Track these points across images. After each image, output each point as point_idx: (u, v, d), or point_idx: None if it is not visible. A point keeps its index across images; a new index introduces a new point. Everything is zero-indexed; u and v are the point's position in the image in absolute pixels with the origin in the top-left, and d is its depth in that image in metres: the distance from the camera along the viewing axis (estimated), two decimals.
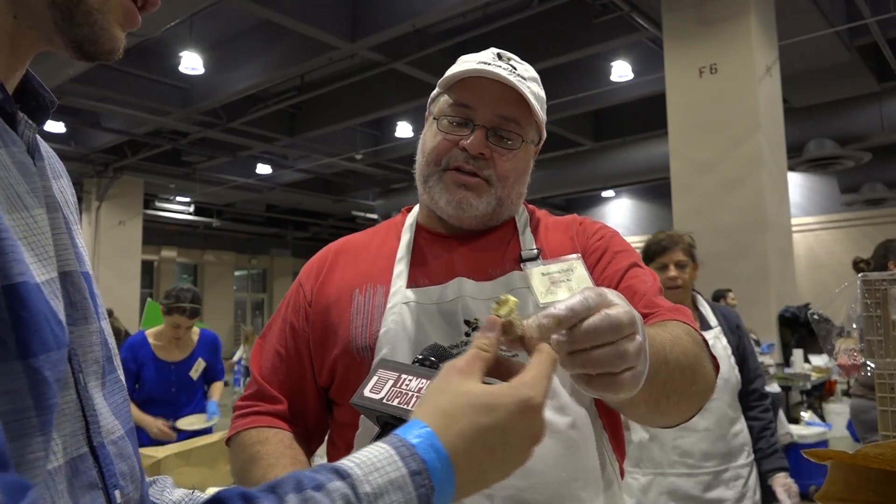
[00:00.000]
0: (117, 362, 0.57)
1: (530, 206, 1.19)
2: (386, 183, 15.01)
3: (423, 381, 0.69)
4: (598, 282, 1.05)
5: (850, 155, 9.67)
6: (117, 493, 0.49)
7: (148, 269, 17.32)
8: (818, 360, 6.40)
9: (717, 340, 2.39)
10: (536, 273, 1.01)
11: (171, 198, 15.65)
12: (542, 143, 1.15)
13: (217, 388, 3.82)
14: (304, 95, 9.45)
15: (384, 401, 0.69)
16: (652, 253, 2.48)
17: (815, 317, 1.49)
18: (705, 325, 2.44)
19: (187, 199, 15.84)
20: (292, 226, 19.33)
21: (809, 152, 9.49)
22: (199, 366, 3.64)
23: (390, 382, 0.71)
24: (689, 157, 6.61)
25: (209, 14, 7.34)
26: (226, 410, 4.22)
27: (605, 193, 16.23)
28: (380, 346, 1.01)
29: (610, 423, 1.07)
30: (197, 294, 3.58)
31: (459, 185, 1.05)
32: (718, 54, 6.46)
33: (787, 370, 6.24)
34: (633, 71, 8.61)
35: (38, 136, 0.52)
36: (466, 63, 1.07)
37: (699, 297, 2.54)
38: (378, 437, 0.67)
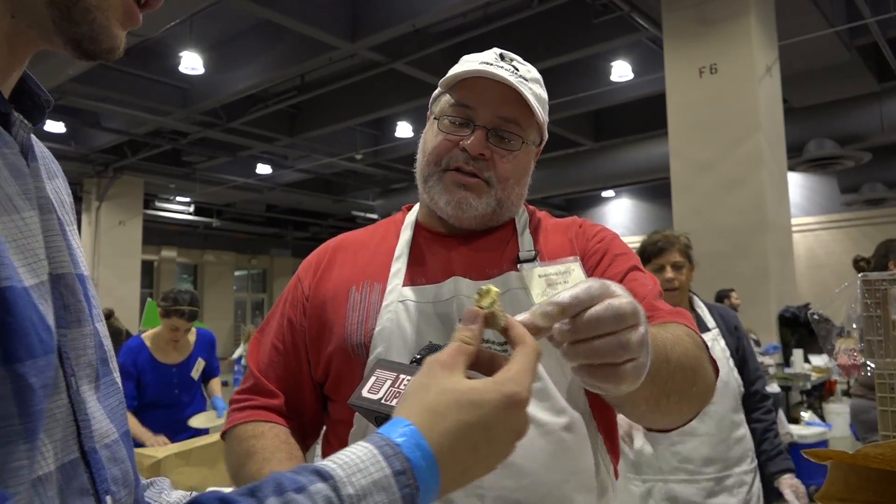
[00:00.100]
0: (113, 364, 0.56)
1: (531, 207, 1.19)
2: (386, 183, 15.01)
3: None
4: None
5: (850, 155, 9.67)
6: (108, 498, 0.48)
7: (148, 269, 17.32)
8: (818, 360, 6.40)
9: (716, 342, 2.35)
10: (533, 274, 1.01)
11: (171, 198, 15.65)
12: (543, 143, 1.15)
13: (217, 385, 3.84)
14: (304, 95, 9.45)
15: (382, 401, 0.68)
16: (648, 254, 2.45)
17: (815, 317, 1.49)
18: (703, 327, 2.39)
19: (187, 199, 15.84)
20: (292, 226, 19.34)
21: (809, 152, 9.49)
22: (200, 365, 3.64)
23: (388, 383, 0.71)
24: (689, 157, 6.61)
25: (209, 14, 7.34)
26: None
27: (605, 193, 16.23)
28: (374, 344, 1.01)
29: (605, 425, 1.06)
30: (195, 296, 3.58)
31: (459, 185, 1.05)
32: (718, 54, 6.46)
33: (787, 370, 6.25)
34: (633, 71, 8.61)
35: (33, 137, 0.52)
36: (468, 63, 1.07)
37: (696, 298, 2.51)
38: None
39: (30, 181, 0.47)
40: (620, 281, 1.05)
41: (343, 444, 1.03)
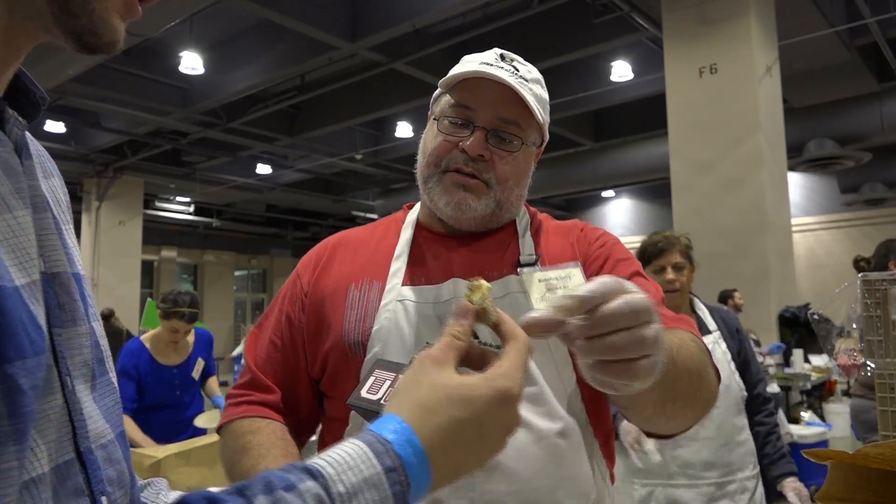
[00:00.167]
0: (109, 364, 0.56)
1: (532, 209, 1.18)
2: (386, 183, 15.01)
3: None
4: None
5: (850, 155, 9.67)
6: (104, 499, 0.48)
7: (148, 269, 17.32)
8: (818, 360, 6.41)
9: (717, 345, 2.31)
10: (533, 278, 1.01)
11: (171, 198, 15.65)
12: (544, 144, 1.14)
13: (215, 384, 3.85)
14: (304, 95, 9.45)
15: (381, 401, 0.68)
16: (648, 255, 2.41)
17: (815, 317, 1.49)
18: (704, 330, 2.36)
19: (187, 199, 15.84)
20: (292, 226, 19.34)
21: (809, 152, 9.49)
22: (200, 365, 3.65)
23: (387, 383, 0.71)
24: (689, 157, 6.61)
25: (209, 14, 7.34)
26: None
27: (605, 193, 16.23)
28: (372, 343, 1.01)
29: (601, 431, 1.06)
30: (195, 298, 3.57)
31: (458, 186, 1.05)
32: (718, 54, 6.46)
33: (787, 370, 6.25)
34: (633, 71, 8.62)
35: (27, 135, 0.51)
36: (469, 63, 1.07)
37: (697, 300, 2.47)
38: None
39: (23, 179, 0.47)
40: None
41: (339, 441, 1.02)
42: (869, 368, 1.28)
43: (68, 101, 9.05)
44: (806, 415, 5.70)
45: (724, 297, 6.05)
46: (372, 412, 0.67)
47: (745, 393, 2.33)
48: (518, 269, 1.04)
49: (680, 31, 6.71)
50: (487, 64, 1.04)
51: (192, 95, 9.41)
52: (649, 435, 1.04)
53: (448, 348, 0.59)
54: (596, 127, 11.72)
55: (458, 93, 1.06)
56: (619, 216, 16.53)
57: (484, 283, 0.65)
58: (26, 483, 0.40)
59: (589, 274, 1.06)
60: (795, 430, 4.90)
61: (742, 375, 2.33)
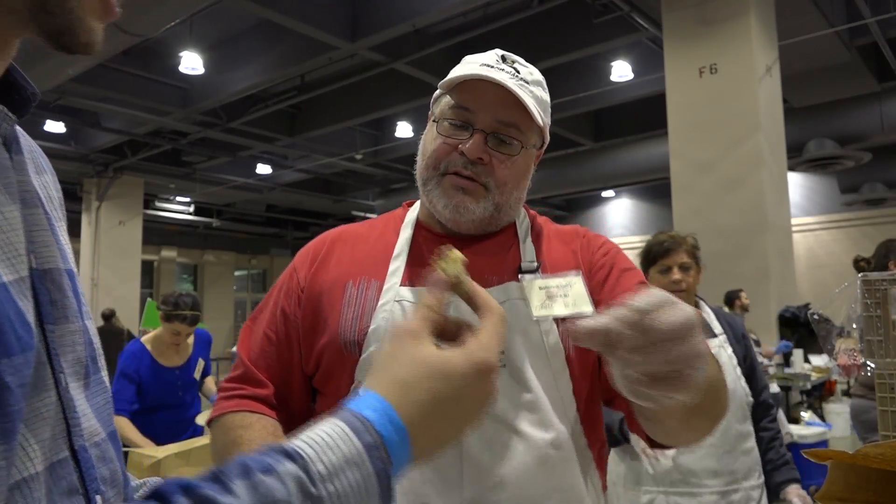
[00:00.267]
0: (102, 363, 0.55)
1: (531, 212, 1.17)
2: (386, 183, 15.01)
3: None
4: (606, 299, 1.05)
5: (850, 155, 9.67)
6: (98, 498, 0.47)
7: (148, 269, 17.32)
8: (818, 360, 6.41)
9: (722, 349, 2.26)
10: (534, 286, 1.01)
11: (171, 198, 15.65)
12: (545, 146, 1.13)
13: (212, 383, 3.87)
14: (304, 95, 9.45)
15: None
16: (654, 255, 2.34)
17: (815, 317, 1.49)
18: (709, 333, 2.30)
19: (187, 199, 15.84)
20: (292, 226, 19.34)
21: (809, 152, 9.49)
22: (200, 365, 3.66)
23: None
24: (689, 157, 6.61)
25: (209, 14, 7.34)
26: None
27: (605, 193, 16.23)
28: (368, 343, 1.00)
29: (595, 440, 1.06)
30: (196, 300, 3.56)
31: (457, 189, 1.04)
32: (718, 54, 6.46)
33: (787, 370, 6.25)
34: (633, 71, 8.62)
35: (19, 130, 0.51)
36: (469, 64, 1.06)
37: (702, 303, 2.41)
38: None
39: (12, 175, 0.46)
40: (626, 295, 1.04)
41: None
42: (869, 368, 1.28)
43: (68, 101, 9.05)
44: (806, 415, 5.70)
45: (731, 297, 6.04)
46: None
47: (752, 399, 2.27)
48: (519, 276, 1.04)
49: (680, 31, 6.71)
50: (488, 66, 1.03)
51: (192, 95, 9.41)
52: (653, 445, 1.03)
53: (423, 321, 0.58)
54: (596, 127, 11.72)
55: (458, 94, 1.05)
56: (619, 216, 16.53)
57: (457, 253, 0.64)
58: (18, 483, 0.40)
59: (593, 283, 1.06)
60: (795, 430, 4.90)
61: (748, 381, 2.28)
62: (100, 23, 0.50)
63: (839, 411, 6.62)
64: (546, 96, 1.09)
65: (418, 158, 1.11)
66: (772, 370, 5.73)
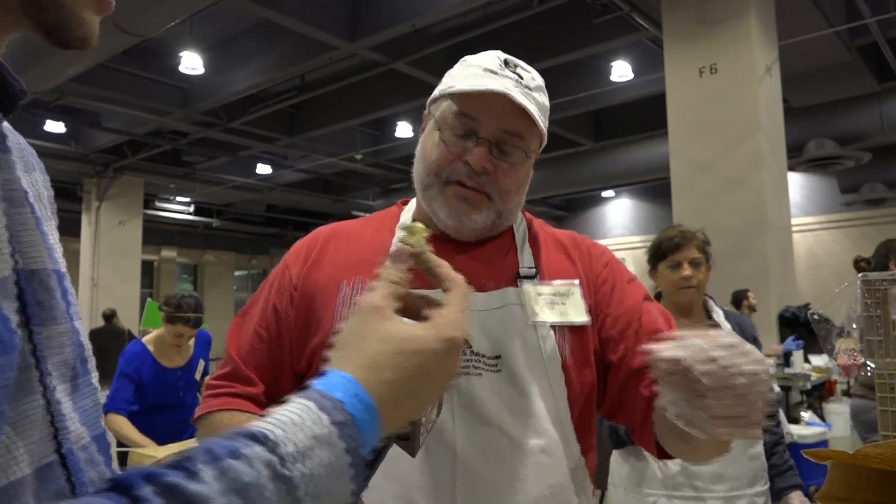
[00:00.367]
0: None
1: (527, 216, 1.17)
2: (386, 183, 15.01)
3: None
4: (613, 312, 1.06)
5: (850, 155, 9.67)
6: None
7: (148, 269, 17.32)
8: (818, 360, 6.40)
9: None
10: (532, 292, 1.02)
11: (171, 198, 15.64)
12: (542, 146, 1.13)
13: None
14: (304, 95, 9.45)
15: None
16: (664, 250, 2.28)
17: (815, 317, 1.49)
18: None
19: (187, 199, 15.84)
20: (292, 226, 19.34)
21: (809, 152, 9.49)
22: (201, 366, 3.65)
23: None
24: (689, 157, 6.61)
25: (209, 14, 7.34)
26: None
27: (605, 193, 16.22)
28: None
29: (587, 447, 1.06)
30: (200, 302, 3.53)
31: (460, 198, 1.02)
32: (718, 54, 6.46)
33: (787, 370, 6.25)
34: (633, 71, 8.62)
35: (7, 127, 0.50)
36: (472, 69, 1.03)
37: (712, 303, 2.35)
38: None
39: None
40: (639, 313, 1.06)
41: None
42: (869, 368, 1.28)
43: (68, 101, 9.05)
44: (806, 415, 5.69)
45: (739, 297, 6.03)
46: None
47: None
48: (518, 282, 1.04)
49: (680, 31, 6.71)
50: (491, 72, 1.00)
51: (192, 95, 9.41)
52: (661, 456, 1.04)
53: (387, 294, 0.57)
54: (596, 127, 11.71)
55: (461, 101, 1.03)
56: (619, 216, 16.52)
57: (422, 226, 0.63)
58: (5, 487, 0.39)
59: (599, 294, 1.07)
60: (795, 430, 4.89)
61: None
62: (95, 16, 0.49)
63: (839, 411, 6.60)
64: (547, 101, 1.08)
65: (416, 161, 1.09)
66: (772, 370, 5.72)
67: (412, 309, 0.60)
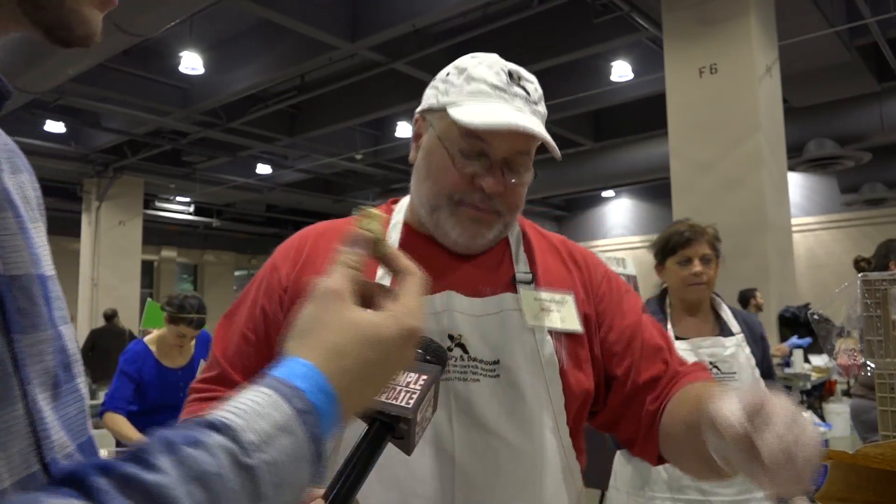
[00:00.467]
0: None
1: (520, 219, 1.16)
2: (386, 183, 15.01)
3: (413, 375, 0.68)
4: (617, 327, 1.08)
5: (850, 155, 9.67)
6: None
7: (148, 269, 17.32)
8: (818, 360, 6.40)
9: (740, 349, 2.16)
10: (529, 297, 1.02)
11: (171, 198, 15.64)
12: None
13: None
14: (304, 95, 9.45)
15: (407, 405, 0.67)
16: (673, 244, 2.22)
17: (815, 317, 1.49)
18: (727, 332, 2.21)
19: (187, 199, 15.84)
20: (292, 226, 19.32)
21: (809, 152, 9.49)
22: (201, 366, 3.64)
23: (408, 387, 0.70)
24: (689, 157, 6.61)
25: (209, 14, 7.34)
26: None
27: (605, 193, 16.22)
28: None
29: (580, 448, 1.06)
30: (202, 303, 3.52)
31: (475, 220, 1.02)
32: (718, 54, 6.46)
33: (787, 370, 6.24)
34: (633, 71, 8.61)
35: None
36: (476, 83, 1.00)
37: (720, 300, 2.31)
38: (366, 435, 0.65)
39: None
40: (640, 327, 1.08)
41: None
42: (869, 368, 1.28)
43: (68, 101, 9.05)
44: (806, 415, 5.69)
45: (746, 296, 6.02)
46: (382, 413, 0.66)
47: None
48: (515, 287, 1.04)
49: (680, 31, 6.71)
50: (501, 90, 0.99)
51: (192, 95, 9.41)
52: (659, 462, 1.04)
53: (345, 280, 0.57)
54: (596, 127, 11.71)
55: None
56: (619, 216, 16.51)
57: (378, 212, 0.62)
58: None
59: (601, 308, 1.09)
60: None
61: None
62: (98, 11, 0.48)
63: (839, 411, 6.59)
64: (545, 110, 1.08)
65: (422, 177, 1.05)
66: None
67: (366, 296, 0.59)
